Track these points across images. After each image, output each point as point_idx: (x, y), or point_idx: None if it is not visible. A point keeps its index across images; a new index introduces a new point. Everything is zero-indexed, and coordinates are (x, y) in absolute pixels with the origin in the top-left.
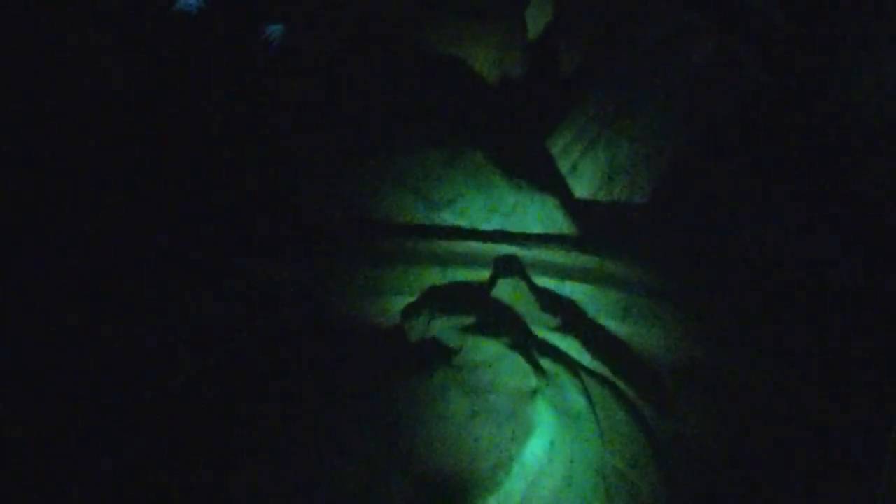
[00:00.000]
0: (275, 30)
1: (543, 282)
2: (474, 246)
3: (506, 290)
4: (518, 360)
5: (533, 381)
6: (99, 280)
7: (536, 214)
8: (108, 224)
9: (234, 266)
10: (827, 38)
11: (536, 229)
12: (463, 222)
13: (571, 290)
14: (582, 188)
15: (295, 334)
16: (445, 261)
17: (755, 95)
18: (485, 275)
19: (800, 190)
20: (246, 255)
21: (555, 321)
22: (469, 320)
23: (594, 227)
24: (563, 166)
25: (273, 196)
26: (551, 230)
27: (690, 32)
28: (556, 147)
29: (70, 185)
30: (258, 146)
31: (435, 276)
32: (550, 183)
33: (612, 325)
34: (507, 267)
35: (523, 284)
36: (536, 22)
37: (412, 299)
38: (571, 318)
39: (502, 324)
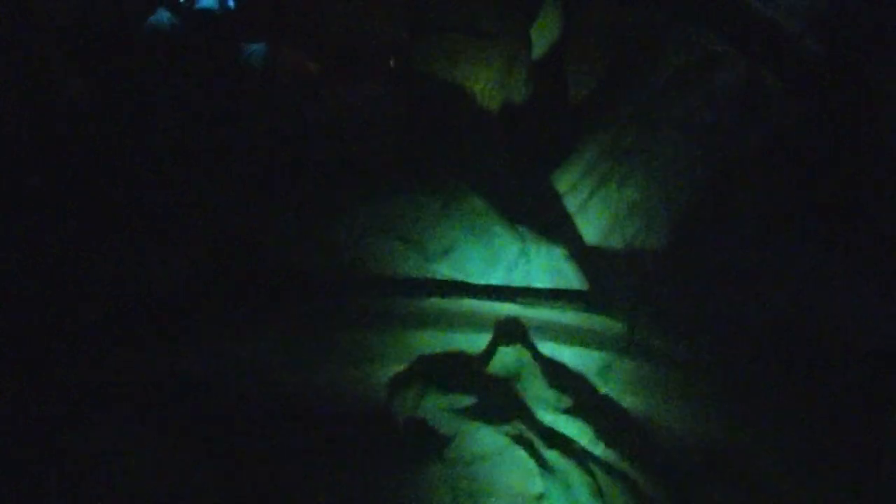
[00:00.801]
0: (255, 50)
1: (549, 348)
2: (472, 304)
3: (507, 361)
4: (521, 456)
5: (538, 484)
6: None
7: (542, 266)
8: (55, 256)
9: (189, 322)
10: (867, 66)
11: (542, 283)
12: (459, 275)
13: (581, 358)
14: (591, 229)
15: (259, 408)
16: (439, 321)
17: (786, 128)
18: (484, 340)
19: (840, 238)
20: (203, 309)
21: (564, 401)
22: (465, 401)
23: (606, 280)
24: (571, 205)
25: (239, 240)
26: (559, 285)
27: (715, 59)
28: (563, 183)
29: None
30: (226, 179)
31: (427, 341)
32: (557, 228)
33: (626, 400)
34: (509, 333)
35: (527, 354)
36: (542, 41)
37: (400, 368)
38: (582, 395)
39: (503, 407)
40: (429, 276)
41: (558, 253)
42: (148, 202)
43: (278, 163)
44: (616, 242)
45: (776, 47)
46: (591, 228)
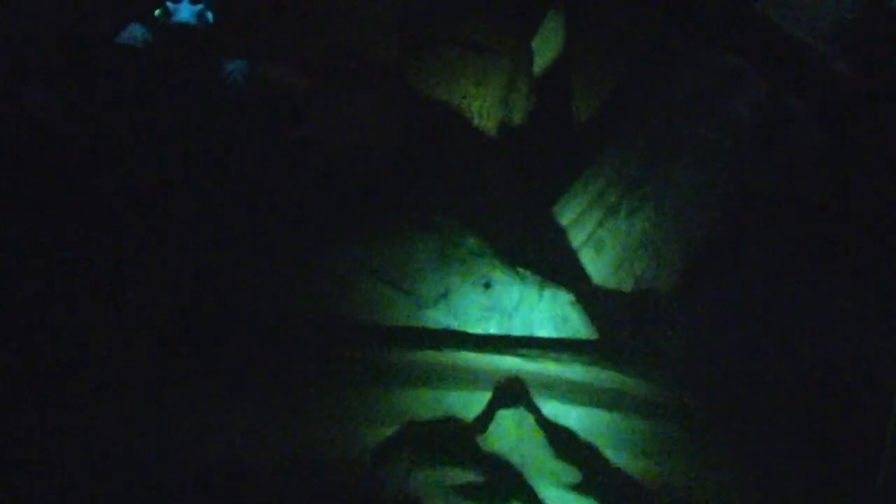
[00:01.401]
0: (236, 67)
1: (555, 409)
2: (468, 357)
3: (507, 427)
4: None
5: None
6: None
7: (545, 313)
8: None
9: (155, 385)
10: None
11: (546, 332)
12: (455, 323)
13: (591, 420)
14: (598, 265)
15: (226, 473)
16: (432, 377)
17: (811, 157)
18: (481, 400)
19: (871, 282)
20: (171, 367)
21: (571, 475)
22: (459, 475)
23: (615, 324)
24: (577, 238)
25: (210, 284)
26: (564, 333)
27: (733, 80)
28: (567, 214)
29: None
30: (196, 214)
31: (418, 401)
32: (561, 266)
33: (641, 467)
34: (509, 393)
35: (530, 418)
36: (544, 55)
37: (388, 432)
38: (592, 467)
39: (502, 482)
40: (421, 324)
41: (563, 298)
42: (105, 241)
43: (255, 196)
44: (625, 279)
45: (800, 68)
46: (597, 264)
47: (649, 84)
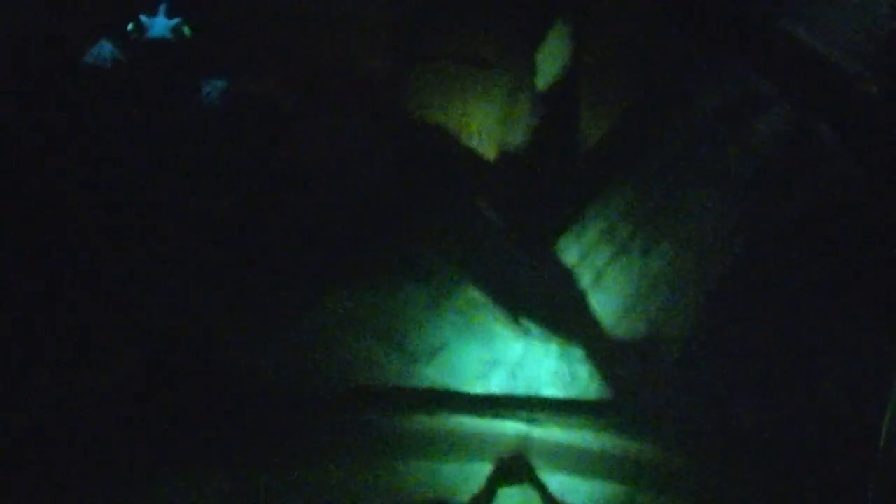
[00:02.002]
0: (214, 88)
1: (562, 484)
2: (466, 422)
3: None
4: None
5: None
6: None
7: (551, 370)
8: None
9: (123, 458)
10: None
11: (552, 391)
12: (451, 381)
13: (602, 495)
14: (609, 307)
15: None
16: (425, 444)
17: (840, 186)
18: (481, 473)
19: None
20: (139, 438)
21: None
22: None
23: (628, 379)
24: (585, 278)
25: (180, 339)
26: (572, 393)
27: (757, 102)
28: (575, 251)
29: None
30: (166, 257)
31: (410, 473)
32: (568, 314)
33: None
34: (512, 467)
35: (535, 497)
36: (549, 70)
37: None
38: None
39: None
40: (413, 383)
41: (571, 353)
42: (66, 288)
43: (230, 239)
44: (638, 323)
45: (829, 90)
46: (608, 306)
47: (666, 106)
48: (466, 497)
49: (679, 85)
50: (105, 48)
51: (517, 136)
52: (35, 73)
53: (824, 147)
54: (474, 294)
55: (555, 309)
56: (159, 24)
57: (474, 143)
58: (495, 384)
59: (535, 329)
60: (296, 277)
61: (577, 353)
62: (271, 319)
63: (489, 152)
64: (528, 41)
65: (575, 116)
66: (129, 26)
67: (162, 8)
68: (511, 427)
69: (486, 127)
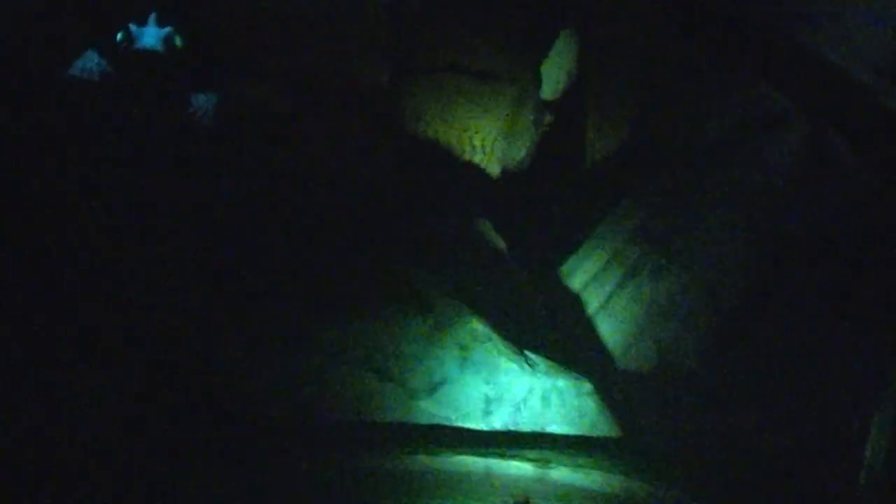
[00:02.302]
0: (206, 101)
1: None
2: (468, 462)
3: None
4: None
5: None
6: None
7: (559, 405)
8: None
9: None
10: None
11: (559, 427)
12: (452, 416)
13: None
14: (617, 333)
15: None
16: (424, 487)
17: (860, 207)
18: None
19: None
20: (133, 463)
21: None
22: None
23: (638, 413)
24: (593, 302)
25: (172, 368)
26: (581, 430)
27: (773, 117)
28: (580, 276)
29: None
30: (158, 283)
31: None
32: (574, 341)
33: None
34: None
35: None
36: (554, 82)
37: None
38: None
39: None
40: (412, 419)
41: (579, 387)
42: (57, 313)
43: (224, 266)
44: (648, 349)
45: (848, 105)
46: (616, 333)
47: (677, 122)
48: None
49: (691, 101)
50: (92, 59)
51: (521, 151)
52: (15, 85)
53: (843, 165)
54: (477, 326)
55: (562, 339)
56: (150, 34)
57: (476, 158)
58: (499, 421)
59: (541, 362)
60: (287, 307)
61: (586, 387)
62: (261, 350)
63: (492, 168)
64: (533, 53)
65: (581, 131)
66: (118, 36)
67: (152, 17)
68: (517, 467)
69: (488, 141)
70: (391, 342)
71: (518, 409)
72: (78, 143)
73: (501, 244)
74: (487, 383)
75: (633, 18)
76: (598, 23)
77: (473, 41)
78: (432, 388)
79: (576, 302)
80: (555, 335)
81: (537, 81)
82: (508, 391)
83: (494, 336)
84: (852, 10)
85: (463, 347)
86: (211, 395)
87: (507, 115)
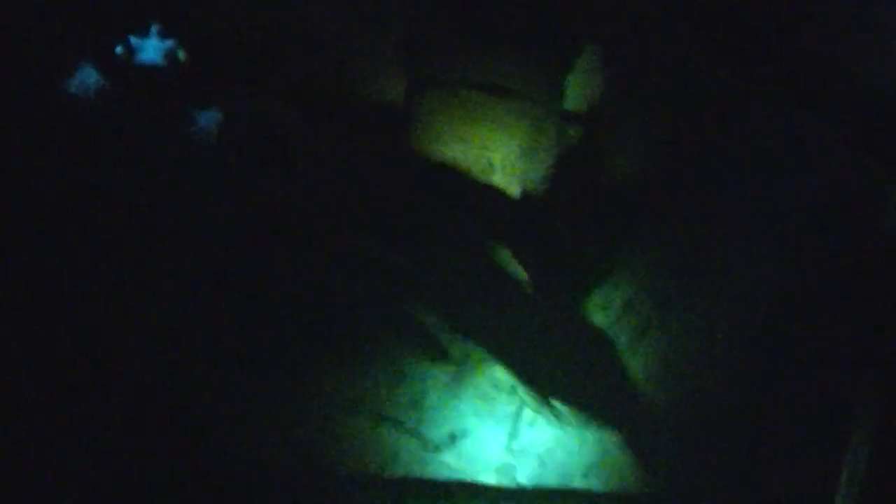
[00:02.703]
0: (207, 119)
1: None
2: None
3: None
4: None
5: None
6: None
7: (586, 458)
8: None
9: None
10: None
11: (587, 482)
12: (473, 470)
13: None
14: (644, 371)
15: None
16: None
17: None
18: None
19: None
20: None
21: None
22: None
23: (667, 464)
24: (618, 339)
25: (171, 414)
26: (610, 484)
27: (809, 144)
28: (608, 310)
29: None
30: (155, 323)
31: None
32: (605, 394)
33: None
34: None
35: None
36: (576, 99)
37: None
38: None
39: None
40: (430, 473)
41: (607, 439)
42: (44, 359)
43: (227, 307)
44: (677, 394)
45: (888, 130)
46: (645, 371)
47: (704, 147)
48: None
49: (721, 124)
50: (90, 75)
51: (541, 170)
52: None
53: (877, 194)
54: (500, 374)
55: (589, 382)
56: (151, 47)
57: (496, 178)
58: (523, 476)
59: (567, 412)
60: (294, 354)
61: (614, 439)
62: (268, 400)
63: (512, 189)
64: (554, 69)
65: (602, 151)
66: (118, 49)
67: (154, 29)
68: None
69: (509, 161)
70: (408, 392)
71: (543, 463)
72: (74, 163)
73: (523, 274)
74: (511, 436)
75: (660, 38)
76: (624, 42)
77: (492, 56)
78: (452, 441)
79: (602, 339)
80: (581, 378)
81: (559, 97)
82: (533, 444)
83: (518, 384)
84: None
85: (484, 397)
86: (215, 447)
87: (528, 134)
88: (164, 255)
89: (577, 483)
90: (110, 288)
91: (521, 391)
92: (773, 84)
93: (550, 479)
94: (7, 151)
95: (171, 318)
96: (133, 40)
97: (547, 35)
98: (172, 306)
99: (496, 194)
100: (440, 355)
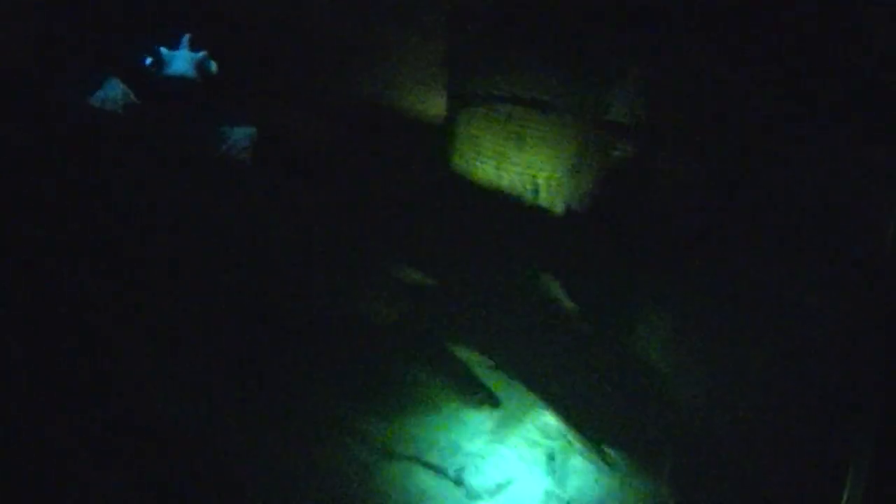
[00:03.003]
0: (240, 135)
1: None
2: None
3: None
4: None
5: None
6: None
7: None
8: None
9: None
10: None
11: None
12: None
13: None
14: (692, 406)
15: None
16: None
17: None
18: None
19: None
20: None
21: None
22: None
23: None
24: (664, 370)
25: (195, 460)
26: None
27: (874, 179)
28: (655, 340)
29: None
30: (178, 363)
31: None
32: (658, 431)
33: None
34: None
35: None
36: (621, 116)
37: None
38: None
39: None
40: None
41: (659, 490)
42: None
43: (256, 343)
44: (728, 427)
45: None
46: (693, 404)
47: (757, 176)
48: None
49: (777, 151)
50: (116, 88)
51: (588, 191)
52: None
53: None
54: (550, 419)
55: (640, 425)
56: (181, 59)
57: (541, 199)
58: None
59: (620, 459)
60: (328, 393)
61: (665, 490)
62: (300, 444)
63: (557, 209)
64: (601, 82)
65: (650, 172)
66: (147, 60)
67: (185, 39)
68: None
69: (554, 180)
70: (450, 437)
71: None
72: (98, 182)
73: (570, 304)
74: (560, 485)
75: (712, 56)
76: (674, 58)
77: (538, 70)
78: (496, 490)
79: (651, 373)
80: (632, 419)
81: (605, 111)
82: (583, 494)
83: (569, 431)
84: None
85: (531, 443)
86: (241, 492)
87: (574, 149)
88: (194, 278)
89: None
90: (139, 301)
91: (571, 436)
92: (837, 115)
93: None
94: (30, 167)
95: (199, 341)
96: (163, 51)
97: (593, 46)
98: (201, 330)
99: (540, 216)
100: (488, 400)
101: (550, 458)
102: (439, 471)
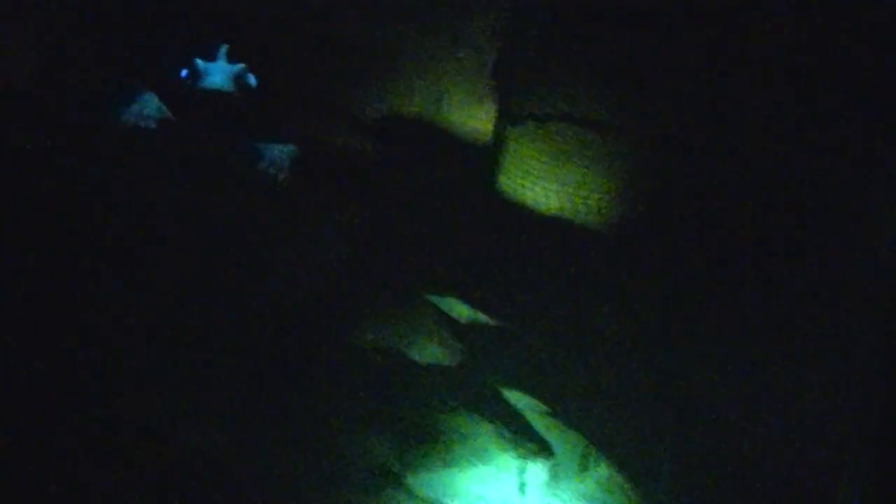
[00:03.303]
0: (279, 153)
1: None
2: None
3: None
4: None
5: None
6: None
7: None
8: None
9: None
10: None
11: None
12: None
13: None
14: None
15: None
16: None
17: None
18: None
19: None
20: None
21: None
22: None
23: None
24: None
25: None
26: None
27: None
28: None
29: None
30: (208, 392)
31: None
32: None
33: None
34: None
35: None
36: (671, 134)
37: None
38: None
39: None
40: None
41: None
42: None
43: (287, 366)
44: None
45: None
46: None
47: (824, 209)
48: None
49: (848, 182)
50: (150, 102)
51: (634, 211)
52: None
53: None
54: (606, 470)
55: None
56: (218, 71)
57: (590, 220)
58: None
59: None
60: (373, 445)
61: None
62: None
63: (607, 232)
64: (654, 104)
65: (702, 194)
66: (183, 73)
67: (222, 51)
68: None
69: (605, 202)
70: (501, 489)
71: None
72: (132, 199)
73: (622, 335)
74: None
75: (768, 73)
76: (722, 79)
77: (586, 85)
78: None
79: (705, 414)
80: (693, 474)
81: (661, 127)
82: None
83: (628, 485)
84: None
85: (589, 498)
86: None
87: (622, 171)
88: (238, 305)
89: None
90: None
91: (631, 493)
92: None
93: None
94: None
95: (239, 371)
96: (199, 63)
97: (642, 69)
98: (240, 359)
99: (589, 237)
100: (537, 448)
101: None
102: None
